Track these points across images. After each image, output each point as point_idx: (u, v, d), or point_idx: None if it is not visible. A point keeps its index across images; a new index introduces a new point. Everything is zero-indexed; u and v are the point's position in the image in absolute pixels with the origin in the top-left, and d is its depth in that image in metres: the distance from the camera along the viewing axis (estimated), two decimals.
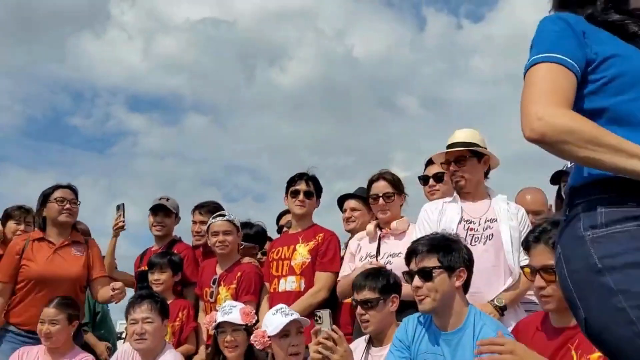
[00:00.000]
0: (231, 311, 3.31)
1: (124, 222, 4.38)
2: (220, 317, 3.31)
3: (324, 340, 2.48)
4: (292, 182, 3.87)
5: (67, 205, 3.94)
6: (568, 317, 2.15)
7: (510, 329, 2.51)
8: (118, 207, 4.43)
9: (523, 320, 2.48)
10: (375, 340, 2.92)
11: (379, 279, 2.85)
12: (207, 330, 3.58)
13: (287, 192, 3.90)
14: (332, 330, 2.52)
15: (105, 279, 4.00)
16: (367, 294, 2.82)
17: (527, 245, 2.25)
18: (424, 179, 3.79)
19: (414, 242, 2.52)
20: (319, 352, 2.50)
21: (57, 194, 3.97)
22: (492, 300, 2.84)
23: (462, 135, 3.22)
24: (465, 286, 2.46)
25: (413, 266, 2.44)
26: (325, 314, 2.56)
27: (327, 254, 3.72)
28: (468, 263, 2.47)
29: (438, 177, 3.67)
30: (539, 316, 2.36)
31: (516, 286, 2.88)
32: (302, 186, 3.83)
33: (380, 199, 3.46)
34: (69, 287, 3.81)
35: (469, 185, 3.14)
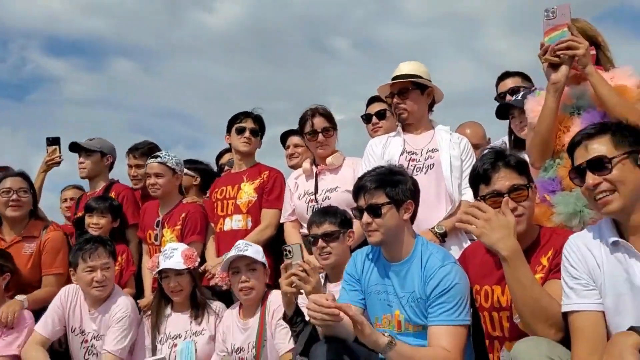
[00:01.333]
0: (172, 254, 3.28)
1: (61, 157, 4.17)
2: (162, 262, 3.27)
3: (298, 272, 2.47)
4: (236, 119, 3.81)
5: (14, 197, 3.56)
6: (521, 241, 2.15)
7: (454, 254, 2.57)
8: (51, 141, 4.15)
9: (471, 245, 2.54)
10: (331, 277, 2.99)
11: (337, 214, 2.97)
12: (152, 274, 3.53)
13: (229, 130, 3.83)
14: (305, 262, 2.52)
15: (51, 277, 3.58)
16: (328, 227, 2.92)
17: (485, 175, 2.20)
18: (366, 117, 3.82)
19: (360, 178, 2.50)
20: (292, 285, 2.49)
21: (4, 184, 3.58)
22: (433, 228, 2.91)
23: (406, 67, 3.21)
24: (412, 217, 2.48)
25: (362, 203, 2.42)
26: (296, 247, 2.56)
27: (273, 191, 3.72)
28: (414, 194, 2.48)
29: (380, 114, 3.72)
30: None
31: (456, 213, 2.92)
32: (248, 123, 3.78)
33: (320, 134, 3.45)
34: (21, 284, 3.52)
35: (412, 117, 3.15)
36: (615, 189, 1.82)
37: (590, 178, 1.85)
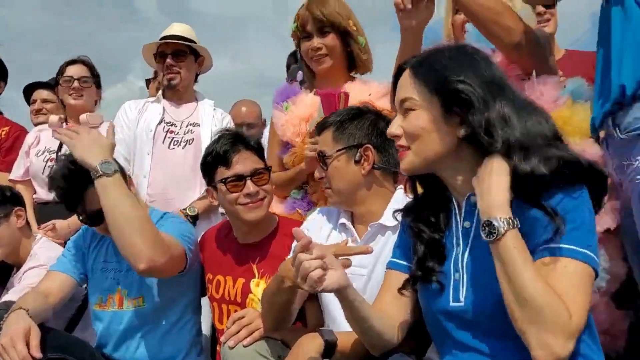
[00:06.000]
0: None
1: None
2: None
3: None
4: None
5: None
6: (253, 235, 2.10)
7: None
8: None
9: (209, 230, 2.35)
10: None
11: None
12: None
13: None
14: None
15: None
16: None
17: (225, 156, 2.04)
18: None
19: None
20: None
21: None
22: (185, 209, 2.67)
23: (181, 29, 2.93)
24: None
25: None
26: None
27: (13, 151, 3.23)
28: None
29: None
30: (224, 228, 2.26)
31: None
32: None
33: (76, 81, 3.06)
34: None
35: (182, 84, 2.88)
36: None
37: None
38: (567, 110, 1.77)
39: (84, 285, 2.25)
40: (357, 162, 1.77)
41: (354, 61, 2.44)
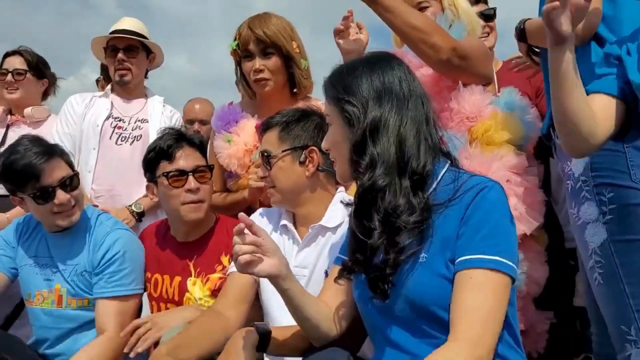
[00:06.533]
0: None
1: None
2: None
3: None
4: None
5: None
6: (192, 234, 2.11)
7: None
8: None
9: (148, 227, 2.34)
10: None
11: None
12: None
13: None
14: None
15: None
16: None
17: (169, 151, 2.05)
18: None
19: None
20: None
21: None
22: (130, 206, 2.65)
23: (132, 24, 2.89)
24: None
25: None
26: None
27: None
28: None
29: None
30: (163, 226, 2.26)
31: None
32: None
33: (10, 74, 2.98)
34: None
35: (134, 81, 2.85)
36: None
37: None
38: (491, 120, 1.83)
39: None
40: (301, 163, 1.80)
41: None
